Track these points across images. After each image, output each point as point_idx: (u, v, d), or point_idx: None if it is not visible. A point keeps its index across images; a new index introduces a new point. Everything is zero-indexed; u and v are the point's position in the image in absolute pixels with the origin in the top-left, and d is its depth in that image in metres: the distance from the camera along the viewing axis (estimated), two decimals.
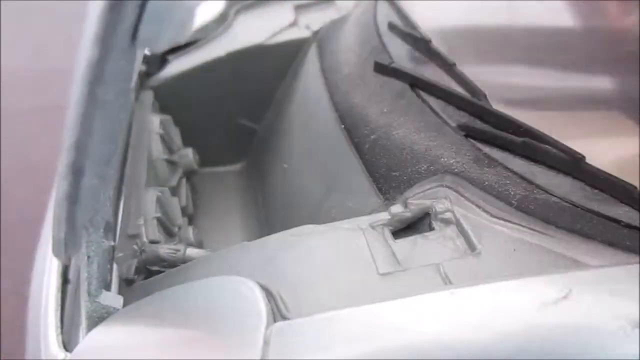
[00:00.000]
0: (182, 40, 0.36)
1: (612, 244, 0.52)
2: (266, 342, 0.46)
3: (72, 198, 0.35)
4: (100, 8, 0.32)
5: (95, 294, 0.51)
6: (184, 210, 0.86)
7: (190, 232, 0.79)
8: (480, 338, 0.44)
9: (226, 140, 1.06)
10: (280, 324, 0.48)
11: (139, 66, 0.78)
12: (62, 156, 0.35)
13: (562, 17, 0.85)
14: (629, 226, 0.53)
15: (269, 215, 0.92)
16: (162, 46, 0.36)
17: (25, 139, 1.89)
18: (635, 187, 0.54)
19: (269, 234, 0.64)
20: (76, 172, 0.34)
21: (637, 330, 0.44)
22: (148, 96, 0.94)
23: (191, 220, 0.91)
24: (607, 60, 0.80)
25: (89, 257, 0.48)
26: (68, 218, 0.36)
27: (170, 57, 1.00)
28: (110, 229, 0.58)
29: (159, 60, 0.98)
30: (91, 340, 0.51)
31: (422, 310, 0.47)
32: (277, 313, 0.50)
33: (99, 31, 0.32)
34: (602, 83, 0.79)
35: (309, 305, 0.50)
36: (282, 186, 0.90)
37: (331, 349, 0.46)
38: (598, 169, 0.56)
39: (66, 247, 0.38)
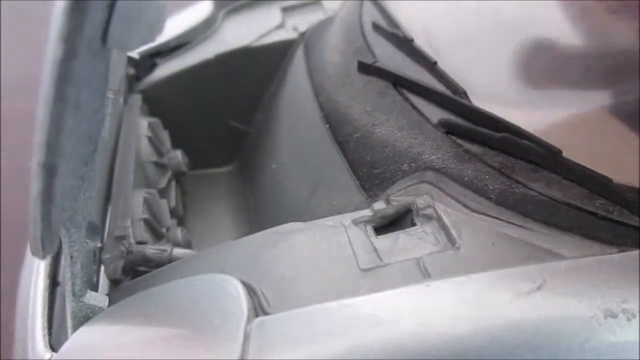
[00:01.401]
0: (154, 40, 0.37)
1: (588, 236, 0.53)
2: (246, 338, 0.47)
3: (46, 197, 0.36)
4: (63, 7, 0.33)
5: (80, 293, 0.52)
6: (173, 212, 0.87)
7: (178, 233, 0.80)
8: (455, 330, 0.45)
9: (216, 142, 1.06)
10: (260, 319, 0.48)
11: (121, 68, 0.79)
12: (33, 154, 0.35)
13: (546, 16, 0.86)
14: (604, 218, 0.54)
15: (259, 216, 0.93)
16: (134, 46, 0.37)
17: (23, 144, 1.89)
18: (611, 180, 0.55)
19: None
20: (48, 170, 0.35)
21: (610, 319, 0.45)
22: (137, 99, 0.95)
23: (181, 222, 0.92)
24: (589, 58, 0.81)
25: (72, 257, 0.49)
26: (43, 216, 0.36)
27: (158, 61, 1.01)
28: (96, 229, 0.59)
29: (148, 64, 0.99)
30: (76, 340, 0.52)
31: (398, 303, 0.47)
32: (259, 309, 0.51)
33: (62, 29, 0.33)
34: (583, 79, 0.80)
35: (291, 301, 0.51)
36: (270, 186, 0.91)
37: (310, 342, 0.46)
38: (574, 163, 0.57)
39: (43, 245, 0.39)
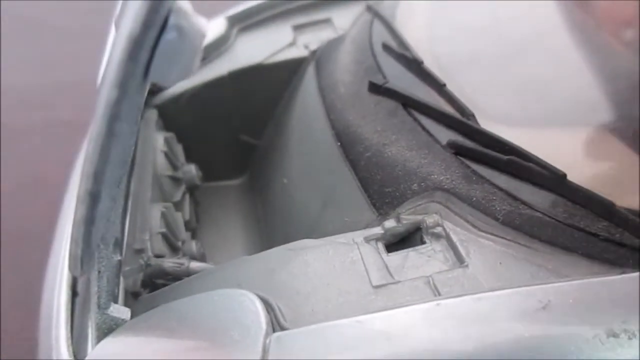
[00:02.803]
0: (189, 77, 0.40)
1: (591, 256, 0.55)
2: (265, 351, 0.49)
3: (89, 221, 0.38)
4: (121, 54, 0.36)
5: (105, 306, 0.54)
6: (187, 225, 0.90)
7: (193, 246, 0.83)
8: (463, 347, 0.47)
9: (228, 155, 1.09)
10: (278, 334, 0.51)
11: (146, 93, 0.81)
12: (81, 183, 0.38)
13: (551, 38, 0.88)
14: (607, 240, 0.56)
15: (269, 228, 0.95)
16: (171, 82, 0.40)
17: (30, 154, 1.92)
18: (614, 203, 0.58)
19: (268, 247, 0.67)
20: (93, 197, 0.38)
21: (612, 338, 0.47)
22: (152, 114, 0.97)
23: (194, 234, 0.94)
24: (594, 79, 0.84)
25: (99, 272, 0.51)
26: (85, 238, 0.39)
27: None
28: (118, 244, 0.61)
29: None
30: (100, 351, 0.55)
31: (410, 320, 0.50)
32: (276, 324, 0.53)
33: (119, 75, 0.36)
34: (588, 101, 0.82)
35: (306, 316, 0.53)
36: (281, 200, 0.94)
37: (326, 357, 0.49)
38: (578, 186, 0.59)
39: (82, 264, 0.41)
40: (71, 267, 0.43)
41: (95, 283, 0.52)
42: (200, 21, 0.38)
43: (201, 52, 0.39)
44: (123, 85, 0.36)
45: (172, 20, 0.36)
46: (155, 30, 0.35)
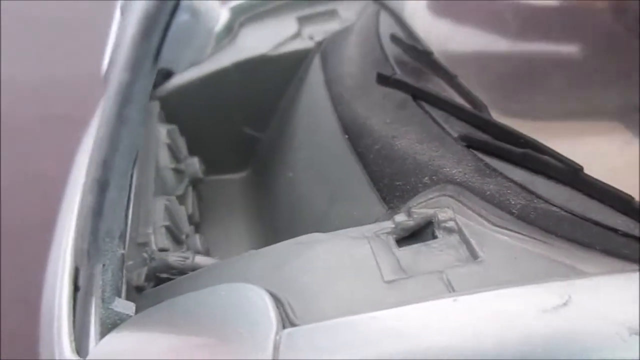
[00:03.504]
0: (201, 62, 0.39)
1: (609, 252, 0.54)
2: (276, 348, 0.48)
3: (97, 211, 0.37)
4: (134, 35, 0.34)
5: (109, 301, 0.53)
6: (190, 218, 0.88)
7: (197, 240, 0.81)
8: (482, 344, 0.46)
9: (231, 148, 1.08)
10: (289, 330, 0.49)
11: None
12: (88, 171, 0.37)
13: (564, 30, 0.87)
14: (626, 235, 0.54)
15: (274, 222, 0.94)
16: (183, 67, 0.38)
17: (27, 147, 1.90)
18: (633, 197, 0.56)
19: (274, 241, 0.65)
20: (102, 186, 0.36)
21: (634, 336, 0.46)
22: (155, 106, 0.96)
23: (197, 228, 0.93)
24: (607, 72, 0.82)
25: (104, 265, 0.50)
26: (92, 230, 0.38)
27: None
28: (122, 237, 0.59)
29: (165, 71, 1.00)
30: (105, 346, 0.53)
31: (425, 316, 0.48)
32: (286, 319, 0.51)
33: (132, 58, 0.34)
34: (602, 94, 0.81)
35: (316, 312, 0.52)
36: (287, 194, 0.92)
37: (338, 354, 0.47)
38: (596, 180, 0.58)
39: (89, 257, 0.40)
40: (78, 261, 0.42)
41: (99, 277, 0.50)
42: (214, 3, 0.36)
43: (213, 35, 0.38)
44: (136, 67, 0.34)
45: (185, 2, 0.34)
46: (169, 10, 0.33)
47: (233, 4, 1.13)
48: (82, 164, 0.84)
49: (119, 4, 0.75)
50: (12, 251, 1.52)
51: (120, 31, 0.36)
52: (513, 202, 0.59)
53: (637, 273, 0.50)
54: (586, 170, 0.59)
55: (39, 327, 0.64)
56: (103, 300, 0.52)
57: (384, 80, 0.80)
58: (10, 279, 1.46)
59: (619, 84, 0.80)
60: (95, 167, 0.36)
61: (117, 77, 0.35)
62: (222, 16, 1.06)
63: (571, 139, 0.73)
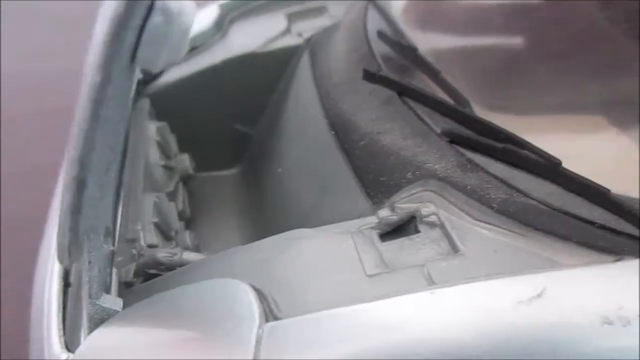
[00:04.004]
0: (178, 60, 0.40)
1: (586, 244, 0.55)
2: (258, 341, 0.49)
3: (76, 209, 0.38)
4: (104, 35, 0.35)
5: (96, 296, 0.54)
6: (180, 215, 0.89)
7: (187, 236, 0.82)
8: (460, 336, 0.47)
9: (221, 145, 1.08)
10: (271, 323, 0.50)
11: (136, 79, 0.80)
12: (66, 169, 0.37)
13: (547, 24, 0.88)
14: (602, 227, 0.55)
15: (263, 218, 0.95)
16: (159, 66, 0.39)
17: (25, 141, 1.91)
18: (609, 190, 0.57)
19: (263, 237, 0.66)
20: (79, 184, 0.37)
21: (607, 326, 0.47)
22: (145, 104, 0.96)
23: (188, 225, 0.94)
24: (590, 66, 0.83)
25: (90, 262, 0.51)
26: (72, 227, 0.38)
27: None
28: (109, 234, 0.60)
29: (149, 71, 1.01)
30: (93, 341, 0.54)
31: (404, 309, 0.49)
32: (269, 314, 0.52)
33: (102, 58, 0.35)
34: (585, 88, 0.82)
35: (300, 306, 0.53)
36: (276, 190, 0.93)
37: (320, 346, 0.48)
38: (574, 173, 0.59)
39: (70, 253, 0.41)
40: (59, 257, 0.43)
41: (86, 273, 0.51)
42: (188, 4, 0.37)
43: (189, 35, 0.39)
44: (106, 68, 0.35)
45: (158, 4, 0.35)
46: (141, 12, 0.34)
47: (222, 0, 1.13)
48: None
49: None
50: (9, 244, 1.53)
51: (94, 31, 0.37)
52: (493, 197, 0.61)
53: (611, 265, 0.52)
54: (570, 165, 0.60)
55: (29, 324, 0.65)
56: (90, 296, 0.53)
57: (370, 76, 0.81)
58: (8, 273, 1.47)
59: (602, 78, 0.81)
60: (71, 166, 0.37)
61: (90, 78, 0.35)
62: (207, 17, 1.07)
63: (554, 133, 0.74)
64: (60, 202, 0.39)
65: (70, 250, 0.40)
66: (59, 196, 0.79)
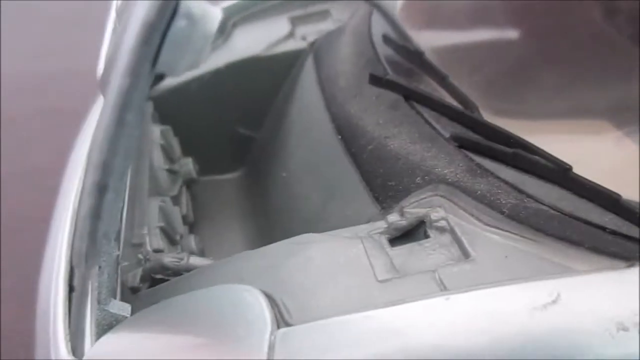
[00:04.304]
0: (198, 66, 0.40)
1: (598, 250, 0.55)
2: (271, 348, 0.48)
3: (96, 213, 0.37)
4: (135, 41, 0.35)
5: (105, 302, 0.53)
6: (184, 219, 0.88)
7: (192, 241, 0.82)
8: (474, 342, 0.46)
9: (225, 148, 1.08)
10: (283, 330, 0.50)
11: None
12: (87, 174, 0.37)
13: (555, 30, 0.88)
14: (613, 233, 0.55)
15: (269, 222, 0.94)
16: (180, 71, 0.39)
17: (25, 142, 1.90)
18: (620, 196, 0.57)
19: (268, 241, 0.66)
20: (101, 189, 0.37)
21: (622, 332, 0.47)
22: (148, 107, 0.96)
23: (192, 229, 0.93)
24: (597, 71, 0.83)
25: (100, 267, 0.50)
26: (91, 232, 0.38)
27: None
28: (117, 239, 0.60)
29: (159, 74, 1.00)
30: (101, 347, 0.53)
31: (418, 315, 0.49)
32: (280, 319, 0.52)
33: (131, 63, 0.35)
34: (593, 93, 0.82)
35: (311, 312, 0.52)
36: (281, 194, 0.93)
37: (332, 354, 0.48)
38: (584, 179, 0.59)
39: (87, 259, 0.40)
40: (76, 263, 0.42)
41: (95, 279, 0.51)
42: (212, 9, 0.37)
43: (211, 41, 0.38)
44: (135, 73, 0.35)
45: (182, 8, 0.35)
46: (168, 15, 0.34)
47: (226, 4, 1.13)
48: (77, 162, 0.84)
49: (114, 3, 0.75)
50: (9, 244, 1.52)
51: (117, 35, 0.37)
52: (504, 202, 0.60)
53: (625, 270, 0.51)
54: (576, 169, 0.60)
55: (34, 328, 0.64)
56: (99, 302, 0.53)
57: (376, 80, 0.81)
58: (8, 273, 1.46)
59: (608, 83, 0.81)
60: (94, 171, 0.36)
61: (117, 82, 0.35)
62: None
63: (562, 138, 0.74)
64: (78, 208, 0.39)
65: (88, 255, 0.40)
66: (64, 201, 0.78)
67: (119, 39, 0.37)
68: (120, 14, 0.39)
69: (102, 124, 0.36)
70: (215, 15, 0.37)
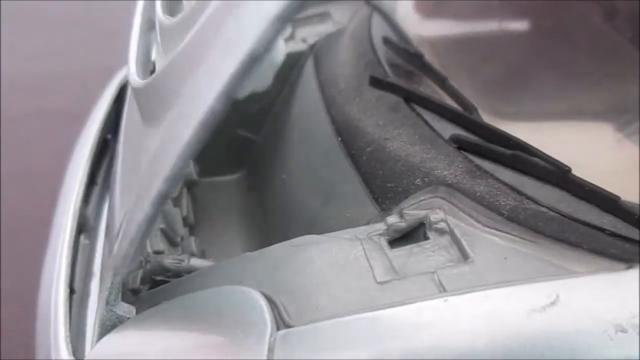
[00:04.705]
0: (261, 90, 0.43)
1: (597, 251, 0.55)
2: (270, 349, 0.48)
3: (152, 221, 0.39)
4: (236, 69, 0.36)
5: (114, 303, 0.54)
6: (185, 221, 0.89)
7: (192, 242, 0.82)
8: (473, 343, 0.47)
9: (225, 150, 1.08)
10: (283, 331, 0.50)
11: None
12: (151, 184, 0.38)
13: (554, 32, 0.88)
14: (612, 234, 0.56)
15: (268, 224, 0.95)
16: (243, 94, 0.40)
17: (24, 143, 1.91)
18: (619, 197, 0.57)
19: (268, 242, 0.66)
20: (164, 199, 0.38)
21: (620, 334, 0.47)
22: None
23: (192, 230, 0.93)
24: (596, 73, 0.84)
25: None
26: (142, 238, 0.39)
27: None
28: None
29: None
30: (104, 346, 0.54)
31: (417, 317, 0.49)
32: (280, 321, 0.52)
33: (228, 89, 0.37)
34: (592, 95, 0.82)
35: (311, 313, 0.53)
36: (280, 196, 0.93)
37: (332, 355, 0.48)
38: (583, 180, 0.59)
39: (131, 263, 0.41)
40: (117, 267, 0.43)
41: (109, 280, 0.51)
42: (280, 41, 0.38)
43: (276, 70, 0.39)
44: (229, 99, 0.36)
45: None
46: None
47: None
48: (78, 164, 0.84)
49: (139, 4, 0.74)
50: (9, 244, 1.52)
51: (219, 56, 0.38)
52: (503, 203, 0.61)
53: (623, 272, 0.52)
54: (576, 171, 0.61)
55: (35, 329, 0.65)
56: (107, 302, 0.53)
57: (376, 82, 0.81)
58: (8, 273, 1.47)
59: (608, 85, 0.82)
60: (163, 182, 0.38)
61: (209, 104, 0.37)
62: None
63: (561, 140, 0.74)
64: (132, 214, 0.40)
65: (134, 259, 0.41)
66: (65, 204, 0.78)
67: (197, 50, 0.38)
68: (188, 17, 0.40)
69: (185, 141, 0.37)
70: (281, 47, 0.38)
